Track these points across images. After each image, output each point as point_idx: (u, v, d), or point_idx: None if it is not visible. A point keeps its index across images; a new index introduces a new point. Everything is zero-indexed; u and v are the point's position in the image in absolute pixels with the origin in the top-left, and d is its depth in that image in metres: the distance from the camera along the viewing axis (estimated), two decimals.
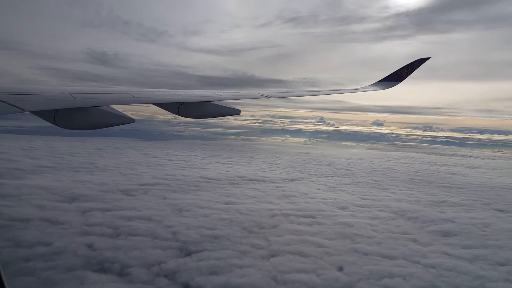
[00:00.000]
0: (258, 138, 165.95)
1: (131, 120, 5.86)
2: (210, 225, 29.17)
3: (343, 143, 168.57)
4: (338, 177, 57.90)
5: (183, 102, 7.24)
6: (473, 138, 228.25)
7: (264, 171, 58.96)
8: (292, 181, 52.40)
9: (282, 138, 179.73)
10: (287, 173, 58.71)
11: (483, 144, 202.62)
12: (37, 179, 40.54)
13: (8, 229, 25.38)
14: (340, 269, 21.88)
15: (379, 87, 13.35)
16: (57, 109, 5.26)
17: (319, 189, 46.84)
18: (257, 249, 24.58)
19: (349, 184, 51.39)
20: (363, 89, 13.23)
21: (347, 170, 65.90)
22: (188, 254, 23.41)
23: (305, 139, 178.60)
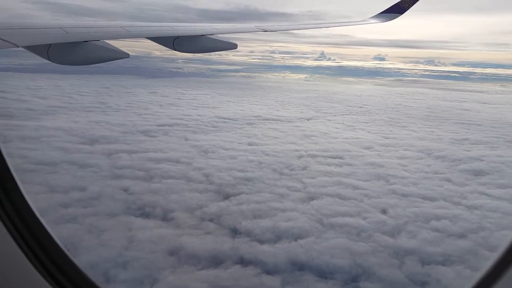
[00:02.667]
0: (259, 74, 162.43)
1: (126, 55, 5.74)
2: (240, 167, 28.61)
3: (345, 78, 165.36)
4: (353, 115, 56.93)
5: (178, 36, 6.98)
6: (475, 72, 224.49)
7: (278, 110, 57.82)
8: (308, 120, 51.46)
9: (283, 74, 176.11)
10: (301, 112, 57.62)
11: (485, 78, 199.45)
12: (52, 120, 39.41)
13: (37, 173, 24.71)
14: (384, 211, 21.58)
15: (380, 20, 12.69)
16: (50, 44, 5.06)
17: (338, 128, 46.08)
18: (294, 192, 24.18)
19: (367, 123, 50.56)
20: (363, 22, 12.48)
21: (361, 107, 64.76)
22: (226, 197, 22.98)
23: (306, 75, 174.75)
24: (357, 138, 39.74)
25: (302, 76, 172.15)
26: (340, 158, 32.00)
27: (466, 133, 46.14)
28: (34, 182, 23.22)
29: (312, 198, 23.04)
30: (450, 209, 22.27)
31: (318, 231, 18.83)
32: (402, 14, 12.73)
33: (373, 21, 12.68)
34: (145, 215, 20.26)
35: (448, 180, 27.96)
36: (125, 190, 23.16)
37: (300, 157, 32.13)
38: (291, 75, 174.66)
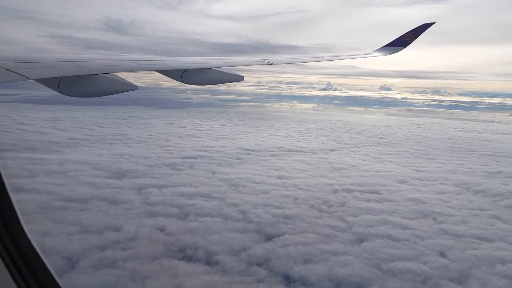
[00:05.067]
0: (267, 104, 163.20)
1: (135, 87, 5.84)
2: (275, 203, 27.29)
3: (353, 108, 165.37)
4: (376, 146, 55.71)
5: (186, 69, 7.16)
6: (482, 102, 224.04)
7: (299, 141, 56.82)
8: (331, 151, 50.30)
9: (291, 104, 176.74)
10: (322, 143, 56.52)
11: (492, 108, 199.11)
12: (75, 153, 38.52)
13: (68, 211, 23.55)
14: (443, 254, 20.02)
15: (384, 53, 13.02)
16: (61, 77, 5.23)
17: (365, 160, 44.76)
18: (340, 232, 22.74)
19: (392, 154, 49.26)
20: (368, 55, 12.82)
21: (381, 138, 63.60)
22: (269, 238, 21.58)
23: (313, 105, 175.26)
24: (389, 171, 38.35)
25: (310, 105, 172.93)
26: (377, 193, 30.59)
27: (497, 165, 44.63)
28: (65, 221, 22.03)
29: (361, 240, 21.56)
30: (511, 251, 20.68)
31: (380, 278, 17.31)
32: (405, 47, 13.13)
33: (377, 54, 12.95)
34: (188, 258, 18.89)
35: (497, 217, 26.41)
36: (162, 229, 21.90)
37: (335, 191, 30.78)
38: (299, 104, 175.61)
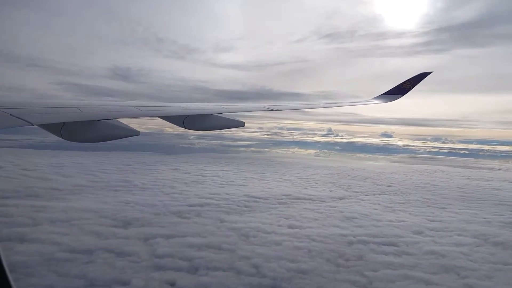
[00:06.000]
0: (269, 150, 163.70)
1: (137, 133, 5.94)
2: (289, 256, 26.06)
3: (356, 154, 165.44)
4: (385, 194, 54.60)
5: (188, 115, 7.31)
6: (484, 149, 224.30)
7: (306, 188, 55.84)
8: (340, 199, 49.18)
9: (292, 149, 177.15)
10: (330, 190, 55.51)
11: (494, 155, 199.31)
12: (79, 201, 37.51)
13: (74, 263, 22.36)
14: None
15: (382, 100, 13.33)
16: (64, 123, 5.28)
17: (376, 209, 43.58)
18: None
19: (403, 203, 48.09)
20: (366, 102, 13.14)
21: (389, 186, 62.56)
22: None
23: (315, 151, 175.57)
24: (403, 221, 37.14)
25: (312, 151, 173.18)
26: (395, 245, 29.32)
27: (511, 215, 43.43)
28: (71, 274, 20.82)
29: None
30: None
31: None
32: (403, 95, 13.41)
33: (376, 101, 13.26)
34: None
35: None
36: (172, 284, 20.66)
37: (350, 243, 29.52)
38: (301, 150, 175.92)
